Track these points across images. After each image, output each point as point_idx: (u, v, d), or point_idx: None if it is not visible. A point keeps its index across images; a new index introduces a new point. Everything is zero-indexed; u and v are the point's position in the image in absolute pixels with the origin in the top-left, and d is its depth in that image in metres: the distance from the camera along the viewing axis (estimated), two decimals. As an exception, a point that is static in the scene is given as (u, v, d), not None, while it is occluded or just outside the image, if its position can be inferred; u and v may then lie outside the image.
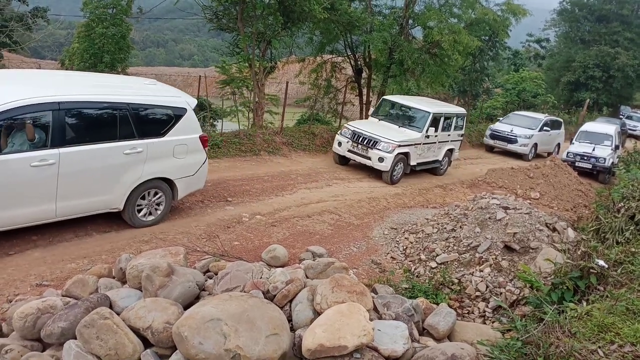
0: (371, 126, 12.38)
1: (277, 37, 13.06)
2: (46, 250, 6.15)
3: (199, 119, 15.08)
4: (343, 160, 12.75)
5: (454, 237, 7.74)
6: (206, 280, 5.10)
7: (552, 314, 4.68)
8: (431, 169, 13.50)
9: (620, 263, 6.10)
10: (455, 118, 13.60)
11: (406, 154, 11.95)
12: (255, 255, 6.75)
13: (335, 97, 18.61)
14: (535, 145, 18.69)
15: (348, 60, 17.66)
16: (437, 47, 15.92)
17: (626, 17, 36.56)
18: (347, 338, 3.93)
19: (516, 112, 21.28)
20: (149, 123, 6.88)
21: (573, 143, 17.76)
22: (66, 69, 15.07)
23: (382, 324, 4.43)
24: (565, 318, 4.59)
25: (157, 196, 7.21)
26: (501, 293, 6.56)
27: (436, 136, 12.77)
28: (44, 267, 5.74)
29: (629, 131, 22.74)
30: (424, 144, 12.43)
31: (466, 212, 8.29)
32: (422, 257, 7.55)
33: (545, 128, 19.11)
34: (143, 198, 7.04)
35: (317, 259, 6.33)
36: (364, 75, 17.82)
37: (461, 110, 14.76)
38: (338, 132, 12.73)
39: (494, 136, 19.01)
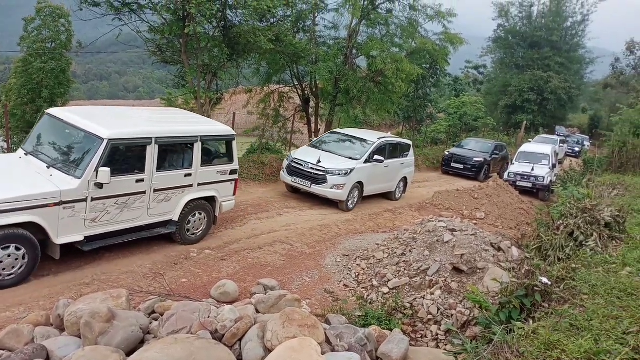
0: None
1: (223, 68, 13.05)
2: (-24, 299, 5.70)
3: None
4: None
5: (404, 261, 7.83)
6: (151, 323, 4.89)
7: (501, 334, 4.77)
8: (169, 233, 7.87)
9: (562, 279, 6.33)
10: (202, 144, 7.88)
11: (33, 224, 5.91)
12: (204, 292, 6.55)
13: (284, 126, 18.72)
14: (360, 185, 12.01)
15: (295, 90, 17.87)
16: (381, 76, 16.39)
17: (556, 43, 39.29)
18: (299, 374, 3.84)
19: (337, 130, 13.95)
20: None
21: (513, 163, 18.59)
22: (3, 106, 14.53)
23: (335, 357, 4.37)
24: (513, 338, 4.69)
25: None
26: (452, 315, 6.65)
27: (142, 180, 7.02)
28: (-26, 318, 5.30)
29: None
30: (97, 199, 6.47)
31: (415, 235, 8.42)
32: (375, 283, 7.57)
33: (377, 157, 12.27)
34: None
35: (268, 292, 6.22)
36: (311, 104, 18.05)
37: (224, 129, 8.59)
38: None
39: (292, 170, 11.87)
